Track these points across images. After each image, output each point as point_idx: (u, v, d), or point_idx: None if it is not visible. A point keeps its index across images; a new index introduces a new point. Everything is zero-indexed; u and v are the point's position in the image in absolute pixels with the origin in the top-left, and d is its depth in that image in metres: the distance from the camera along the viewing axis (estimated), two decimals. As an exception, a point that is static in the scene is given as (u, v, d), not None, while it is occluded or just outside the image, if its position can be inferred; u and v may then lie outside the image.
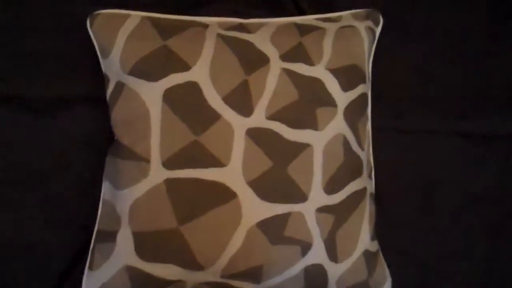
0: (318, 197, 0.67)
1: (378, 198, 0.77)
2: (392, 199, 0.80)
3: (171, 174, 0.64)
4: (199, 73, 0.65)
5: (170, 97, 0.65)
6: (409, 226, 0.80)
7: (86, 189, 0.76)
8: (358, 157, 0.72)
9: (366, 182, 0.73)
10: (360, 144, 0.72)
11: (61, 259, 0.75)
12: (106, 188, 0.69)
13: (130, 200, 0.65)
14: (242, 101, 0.66)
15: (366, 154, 0.74)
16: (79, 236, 0.75)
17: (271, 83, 0.66)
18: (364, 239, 0.71)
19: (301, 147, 0.66)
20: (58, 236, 0.75)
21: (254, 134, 0.65)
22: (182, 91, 0.65)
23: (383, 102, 0.81)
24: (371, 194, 0.74)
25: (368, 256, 0.71)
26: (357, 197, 0.71)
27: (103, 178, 0.70)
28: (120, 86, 0.68)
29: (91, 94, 0.77)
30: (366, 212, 0.71)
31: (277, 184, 0.65)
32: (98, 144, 0.75)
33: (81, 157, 0.77)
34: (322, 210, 0.67)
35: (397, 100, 0.84)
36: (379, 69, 0.79)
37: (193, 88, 0.65)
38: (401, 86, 0.84)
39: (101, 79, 0.72)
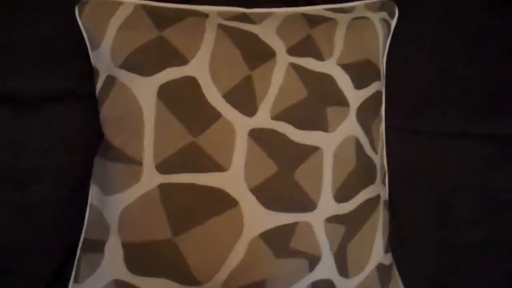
0: (327, 205, 0.62)
1: (391, 204, 0.72)
2: (405, 206, 0.76)
3: (165, 179, 0.59)
4: (198, 68, 0.61)
5: (166, 93, 0.61)
6: (423, 236, 0.76)
7: (72, 192, 0.71)
8: (371, 161, 0.67)
9: (379, 189, 0.68)
10: (373, 147, 0.68)
11: (44, 268, 0.70)
12: (93, 193, 0.64)
13: (120, 207, 0.60)
14: (245, 99, 0.61)
15: (379, 158, 0.69)
16: (64, 243, 0.70)
17: (277, 79, 0.62)
18: (377, 252, 0.66)
19: (310, 150, 0.62)
20: (41, 242, 0.70)
21: (258, 136, 0.61)
22: (178, 87, 0.61)
23: (397, 101, 0.77)
24: (384, 201, 0.69)
25: (382, 270, 0.67)
26: (370, 206, 0.66)
27: (91, 181, 0.65)
28: (110, 80, 0.63)
29: (80, 89, 0.73)
30: (379, 222, 0.67)
31: (282, 191, 0.61)
32: (86, 144, 0.71)
33: (67, 157, 0.72)
34: (332, 220, 0.62)
35: (412, 99, 0.79)
36: (393, 65, 0.74)
37: (190, 84, 0.61)
38: (416, 84, 0.80)
39: (90, 73, 0.68)
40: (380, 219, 0.67)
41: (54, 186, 0.71)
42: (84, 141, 0.71)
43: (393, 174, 0.74)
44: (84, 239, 0.64)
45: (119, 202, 0.61)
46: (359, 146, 0.65)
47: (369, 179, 0.67)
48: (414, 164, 0.77)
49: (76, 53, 0.71)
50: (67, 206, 0.70)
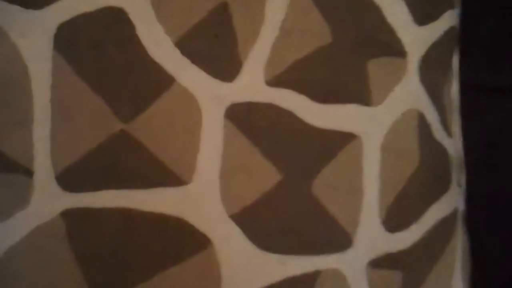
0: (372, 238, 0.44)
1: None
2: (486, 215, 0.57)
3: (75, 200, 0.39)
4: None
5: (70, 41, 0.40)
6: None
7: None
8: (444, 152, 0.47)
9: (456, 197, 0.48)
10: (446, 125, 0.48)
11: None
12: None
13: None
14: (217, 48, 0.42)
15: (454, 142, 0.50)
16: None
17: (277, 9, 0.42)
18: (455, 307, 0.48)
19: (339, 141, 0.43)
20: None
21: (243, 117, 0.42)
22: (92, 28, 0.41)
23: (471, 43, 0.57)
24: (463, 216, 0.50)
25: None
26: (444, 231, 0.47)
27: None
28: (-23, 18, 0.43)
29: None
30: (457, 257, 0.47)
31: (291, 216, 0.42)
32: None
33: None
34: (380, 263, 0.44)
35: (493, 39, 0.61)
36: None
37: (115, 21, 0.41)
38: (499, 16, 0.61)
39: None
40: (458, 250, 0.48)
41: None
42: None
43: (469, 161, 0.53)
44: None
45: (-3, 241, 0.40)
46: (424, 127, 0.45)
47: (442, 184, 0.47)
48: (497, 141, 0.59)
49: None
50: None
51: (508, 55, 0.60)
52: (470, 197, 0.52)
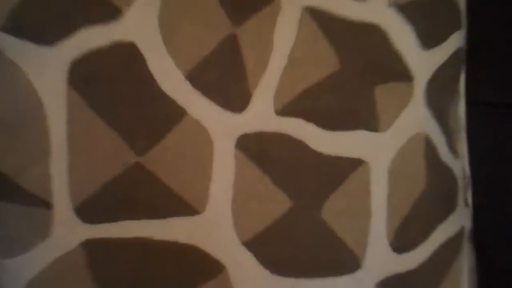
0: (380, 260, 0.44)
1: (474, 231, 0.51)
2: (496, 232, 0.56)
3: (94, 231, 0.40)
4: (139, 24, 0.41)
5: (83, 76, 0.40)
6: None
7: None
8: (450, 173, 0.46)
9: (462, 217, 0.48)
10: (452, 146, 0.47)
11: None
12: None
13: (22, 279, 0.41)
14: (227, 79, 0.42)
15: (461, 163, 0.49)
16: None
17: (284, 38, 0.42)
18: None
19: (347, 167, 0.43)
20: None
21: (254, 146, 0.42)
22: (105, 62, 0.40)
23: (480, 60, 0.55)
24: (469, 235, 0.49)
25: None
26: (450, 251, 0.46)
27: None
28: (-10, 53, 0.42)
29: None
30: (463, 275, 0.47)
31: (301, 242, 0.42)
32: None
33: None
34: (388, 283, 0.43)
35: (503, 55, 0.58)
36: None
37: (126, 55, 0.40)
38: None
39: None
40: (464, 268, 0.47)
41: None
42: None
43: (475, 179, 0.51)
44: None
45: (20, 270, 0.41)
46: (431, 151, 0.45)
47: (448, 205, 0.46)
48: (504, 158, 0.57)
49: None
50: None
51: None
52: (478, 216, 0.51)
